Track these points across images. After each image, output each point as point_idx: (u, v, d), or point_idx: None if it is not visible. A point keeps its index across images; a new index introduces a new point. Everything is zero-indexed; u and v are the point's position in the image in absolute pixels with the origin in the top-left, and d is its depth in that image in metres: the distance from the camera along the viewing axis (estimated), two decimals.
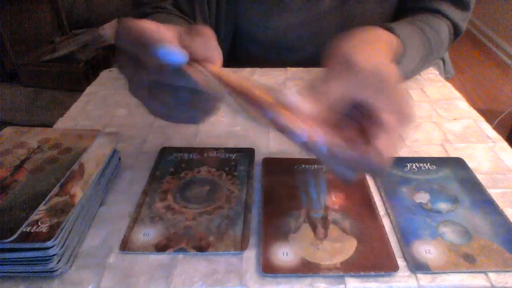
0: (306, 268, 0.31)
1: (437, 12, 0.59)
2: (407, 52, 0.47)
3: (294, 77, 0.63)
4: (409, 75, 0.59)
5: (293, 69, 0.65)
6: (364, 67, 0.32)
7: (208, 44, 0.34)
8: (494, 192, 0.39)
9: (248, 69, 0.65)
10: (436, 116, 0.53)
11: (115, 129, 0.50)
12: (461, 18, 0.60)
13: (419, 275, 0.31)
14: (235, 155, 0.45)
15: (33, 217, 0.31)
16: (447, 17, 0.59)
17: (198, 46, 0.33)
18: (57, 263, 0.30)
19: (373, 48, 0.35)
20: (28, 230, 0.30)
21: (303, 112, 0.30)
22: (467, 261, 0.32)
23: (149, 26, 0.29)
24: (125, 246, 0.34)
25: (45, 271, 0.30)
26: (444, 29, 0.58)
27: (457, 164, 0.43)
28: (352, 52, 0.33)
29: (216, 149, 0.46)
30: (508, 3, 2.64)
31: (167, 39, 0.28)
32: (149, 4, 0.63)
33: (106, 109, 0.55)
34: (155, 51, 0.28)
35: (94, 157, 0.38)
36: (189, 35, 0.33)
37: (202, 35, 0.34)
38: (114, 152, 0.41)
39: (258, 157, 0.45)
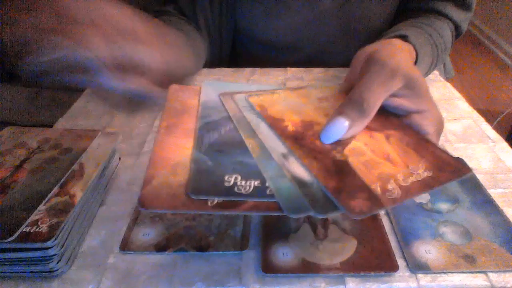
0: (306, 268, 0.31)
1: (440, 13, 0.59)
2: (419, 62, 0.47)
3: (294, 77, 0.63)
4: None
5: (293, 69, 0.65)
6: (397, 68, 0.32)
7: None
8: (494, 192, 0.39)
9: (248, 69, 0.65)
10: None
11: (115, 129, 0.50)
12: (463, 19, 0.60)
13: (419, 275, 0.31)
14: None
15: (33, 217, 0.31)
16: (449, 18, 0.59)
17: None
18: (57, 263, 0.30)
19: (398, 53, 0.36)
20: (28, 230, 0.30)
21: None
22: (467, 261, 0.32)
23: None
24: (125, 246, 0.34)
25: (45, 271, 0.30)
26: (448, 33, 0.58)
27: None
28: (382, 54, 0.34)
29: None
30: (508, 3, 2.64)
31: None
32: (152, 9, 0.63)
33: (106, 109, 0.55)
34: None
35: (94, 157, 0.38)
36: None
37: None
38: (114, 152, 0.41)
39: None
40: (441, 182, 0.28)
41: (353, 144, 0.31)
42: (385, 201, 0.26)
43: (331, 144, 0.31)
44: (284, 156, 0.29)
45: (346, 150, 0.30)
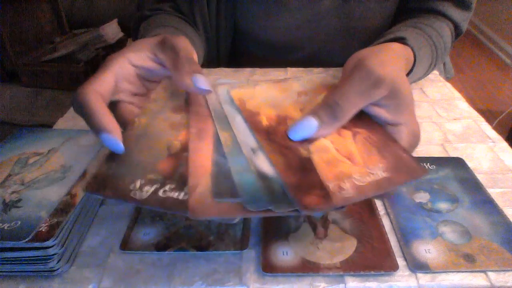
0: (306, 268, 0.31)
1: (439, 13, 0.59)
2: (417, 64, 0.48)
3: (294, 77, 0.63)
4: (414, 82, 0.60)
5: (293, 69, 0.65)
6: (383, 78, 0.32)
7: (181, 56, 0.36)
8: (494, 192, 0.39)
9: (248, 69, 0.65)
10: (436, 116, 0.53)
11: None
12: (463, 18, 0.60)
13: (419, 275, 0.31)
14: None
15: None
16: (449, 18, 0.59)
17: (171, 61, 0.35)
18: (57, 262, 0.30)
19: (390, 60, 0.36)
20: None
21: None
22: (467, 260, 0.32)
23: (95, 108, 0.31)
24: (125, 245, 0.34)
25: (46, 271, 0.30)
26: (447, 33, 0.58)
27: (457, 164, 0.43)
28: (371, 61, 0.34)
29: None
30: (508, 3, 2.64)
31: (108, 128, 0.31)
32: (147, 7, 0.63)
33: None
34: (98, 136, 0.30)
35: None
36: (162, 50, 0.36)
37: (175, 47, 0.36)
38: None
39: None
40: (395, 183, 0.28)
41: (319, 141, 0.32)
42: (336, 200, 0.26)
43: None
44: (253, 150, 0.30)
45: (312, 147, 0.31)
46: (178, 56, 0.36)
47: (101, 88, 0.33)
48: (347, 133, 0.33)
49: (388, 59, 0.35)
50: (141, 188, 0.27)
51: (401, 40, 0.46)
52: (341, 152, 0.31)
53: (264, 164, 0.29)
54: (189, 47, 0.38)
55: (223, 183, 0.28)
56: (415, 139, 0.34)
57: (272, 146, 0.31)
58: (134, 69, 0.37)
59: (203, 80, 0.35)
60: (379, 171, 0.29)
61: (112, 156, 0.30)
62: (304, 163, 0.29)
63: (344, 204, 0.26)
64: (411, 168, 0.29)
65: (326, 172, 0.28)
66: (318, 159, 0.30)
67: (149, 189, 0.27)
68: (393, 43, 0.45)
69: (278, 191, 0.27)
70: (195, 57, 0.39)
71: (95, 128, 0.31)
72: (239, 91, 0.37)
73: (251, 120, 0.33)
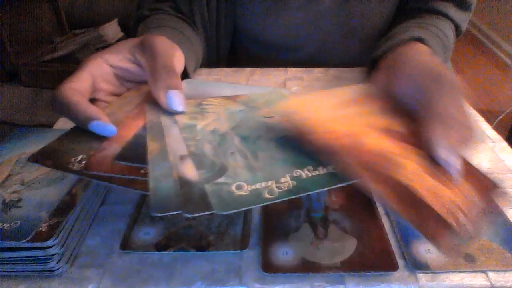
0: (306, 268, 0.31)
1: (440, 13, 0.59)
2: None
3: (294, 77, 0.63)
4: None
5: (293, 69, 0.65)
6: (456, 82, 0.33)
7: (158, 63, 0.35)
8: None
9: (248, 69, 0.65)
10: None
11: None
12: (463, 19, 0.60)
13: (419, 275, 0.31)
14: None
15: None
16: (450, 18, 0.59)
17: (148, 65, 0.35)
18: (57, 262, 0.30)
19: (438, 64, 0.36)
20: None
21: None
22: (467, 260, 0.32)
23: (76, 100, 0.32)
24: (125, 245, 0.34)
25: (45, 271, 0.30)
26: (450, 33, 0.58)
27: None
28: (440, 71, 0.34)
29: None
30: (508, 3, 2.64)
31: (95, 116, 0.32)
32: (146, 6, 0.63)
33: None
34: (88, 127, 0.32)
35: None
36: (141, 51, 0.36)
37: (153, 49, 0.36)
38: None
39: None
40: (498, 210, 0.28)
41: (410, 166, 0.29)
42: (460, 231, 0.26)
43: (386, 163, 0.29)
44: (182, 157, 0.30)
45: (405, 171, 0.29)
46: (156, 61, 0.35)
47: (77, 86, 0.34)
48: (426, 155, 0.31)
49: (436, 63, 0.36)
50: (80, 161, 0.30)
51: (420, 41, 0.46)
52: (435, 177, 0.29)
53: (190, 171, 0.28)
54: (167, 49, 0.36)
55: (131, 151, 0.30)
56: (468, 131, 0.32)
57: (372, 174, 0.28)
58: (111, 69, 0.37)
59: (177, 99, 0.33)
60: (476, 197, 0.29)
61: (66, 135, 0.33)
62: (410, 193, 0.27)
63: (467, 235, 0.26)
64: (495, 187, 0.30)
65: (434, 202, 0.27)
66: (419, 187, 0.28)
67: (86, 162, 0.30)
68: (418, 44, 0.45)
69: (194, 196, 0.26)
70: (177, 57, 0.38)
71: (82, 119, 0.32)
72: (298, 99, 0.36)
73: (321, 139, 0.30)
